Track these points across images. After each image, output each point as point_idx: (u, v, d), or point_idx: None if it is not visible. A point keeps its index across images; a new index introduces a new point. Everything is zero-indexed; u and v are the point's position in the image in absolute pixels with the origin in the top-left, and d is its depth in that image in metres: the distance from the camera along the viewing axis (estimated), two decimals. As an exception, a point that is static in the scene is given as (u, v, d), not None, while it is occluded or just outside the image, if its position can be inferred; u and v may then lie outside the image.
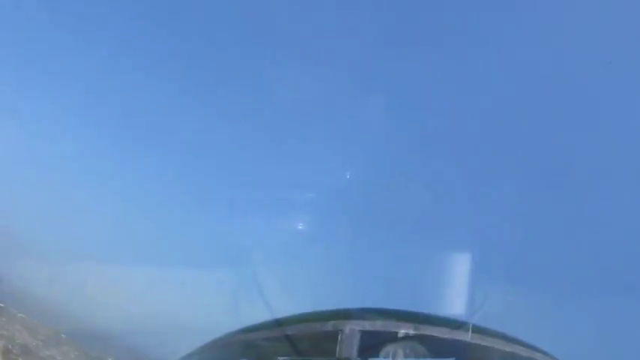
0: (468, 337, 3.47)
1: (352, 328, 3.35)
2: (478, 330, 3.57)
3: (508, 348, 3.47)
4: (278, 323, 3.80)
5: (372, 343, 3.41)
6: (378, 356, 3.64)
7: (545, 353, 3.55)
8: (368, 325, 3.40)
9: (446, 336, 3.45)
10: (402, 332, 3.40)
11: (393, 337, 3.42)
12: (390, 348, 3.45)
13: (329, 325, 3.47)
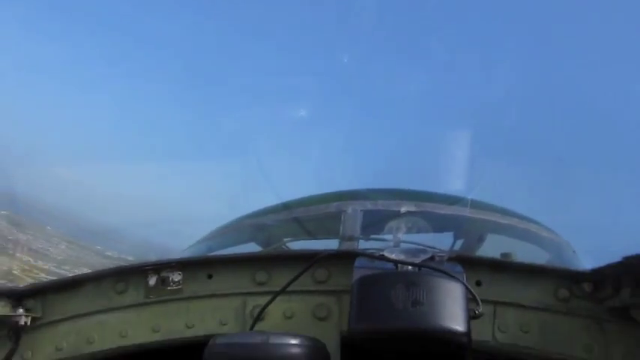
0: (466, 212, 3.54)
1: (354, 208, 3.41)
2: (476, 205, 3.64)
3: (504, 221, 3.54)
4: (284, 207, 3.88)
5: (375, 221, 3.50)
6: (381, 233, 3.76)
7: (539, 224, 3.64)
8: (369, 205, 3.44)
9: (445, 211, 3.50)
10: (403, 209, 3.47)
11: (394, 215, 3.50)
12: (392, 224, 3.56)
13: (332, 207, 3.53)
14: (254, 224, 3.94)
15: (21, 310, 1.91)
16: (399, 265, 1.61)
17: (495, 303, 1.69)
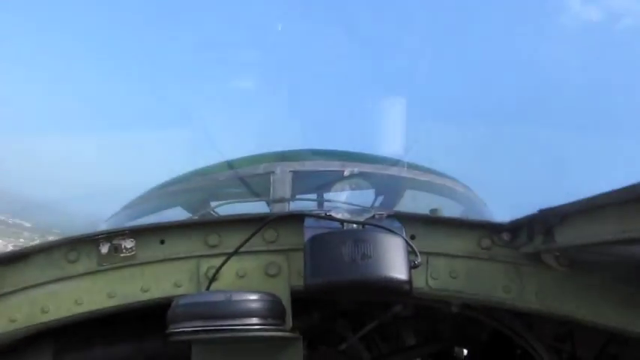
0: (387, 170, 3.75)
1: (283, 169, 3.52)
2: (395, 163, 3.87)
3: (423, 177, 3.80)
4: (211, 170, 3.92)
5: (304, 182, 3.64)
6: (310, 193, 3.92)
7: (454, 180, 3.93)
8: (298, 166, 3.57)
9: (368, 170, 3.69)
10: (330, 169, 3.63)
11: (322, 175, 3.66)
12: (321, 183, 3.72)
13: (260, 168, 3.62)
14: (180, 189, 3.95)
15: None
16: (345, 223, 1.78)
17: (428, 254, 1.89)
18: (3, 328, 1.93)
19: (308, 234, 1.76)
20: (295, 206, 3.45)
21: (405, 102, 3.95)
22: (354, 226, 1.77)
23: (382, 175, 3.65)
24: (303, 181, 3.62)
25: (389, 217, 1.84)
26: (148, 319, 2.19)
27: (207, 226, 1.97)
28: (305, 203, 3.82)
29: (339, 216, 1.78)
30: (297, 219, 1.91)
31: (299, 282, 1.91)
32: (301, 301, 1.89)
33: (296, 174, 3.49)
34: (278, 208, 3.23)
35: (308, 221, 1.83)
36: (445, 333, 2.61)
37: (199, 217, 2.00)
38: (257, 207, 3.74)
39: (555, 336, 2.55)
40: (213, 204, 3.99)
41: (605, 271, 1.88)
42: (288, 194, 3.37)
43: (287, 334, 1.72)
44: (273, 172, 3.51)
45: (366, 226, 1.75)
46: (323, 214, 1.82)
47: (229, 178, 3.71)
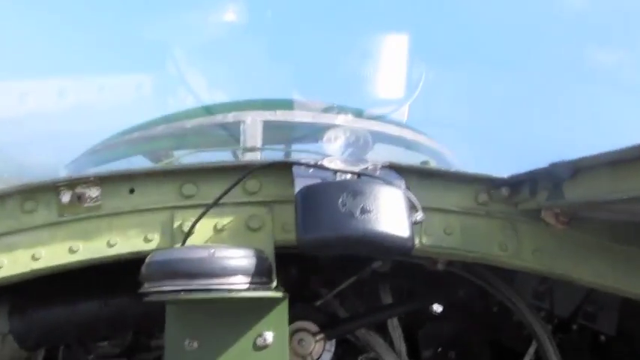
0: (357, 122, 3.64)
1: (254, 119, 3.35)
2: (367, 116, 3.75)
3: (392, 131, 3.71)
4: (177, 117, 3.70)
5: (275, 134, 3.48)
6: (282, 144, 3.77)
7: (432, 139, 3.86)
8: (269, 115, 3.40)
9: (338, 122, 3.57)
10: (302, 120, 3.48)
11: (294, 126, 3.51)
12: (293, 134, 3.58)
13: (230, 117, 3.43)
14: (143, 136, 3.74)
15: None
16: (339, 173, 1.62)
17: (422, 209, 1.77)
18: None
19: (298, 184, 1.59)
20: (266, 157, 3.31)
21: (406, 41, 3.78)
22: (348, 176, 1.61)
23: (354, 128, 3.53)
24: (274, 132, 3.46)
25: (384, 168, 1.70)
26: (113, 274, 2.01)
27: (182, 174, 1.79)
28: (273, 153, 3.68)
29: (331, 165, 1.62)
30: (282, 168, 1.74)
31: (283, 236, 1.76)
32: (279, 256, 1.75)
33: (267, 124, 3.33)
34: (248, 159, 3.08)
35: (297, 170, 1.66)
36: (422, 290, 2.55)
37: (174, 165, 1.80)
38: (223, 157, 3.58)
39: (534, 294, 2.54)
40: (177, 153, 3.80)
41: (604, 230, 1.81)
42: (259, 144, 3.22)
43: (275, 293, 1.58)
44: (243, 121, 3.35)
45: (363, 177, 1.61)
46: (314, 163, 1.66)
47: (196, 126, 3.50)
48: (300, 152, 3.72)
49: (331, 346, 2.19)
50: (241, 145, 3.23)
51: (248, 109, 3.45)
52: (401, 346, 2.42)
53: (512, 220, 1.82)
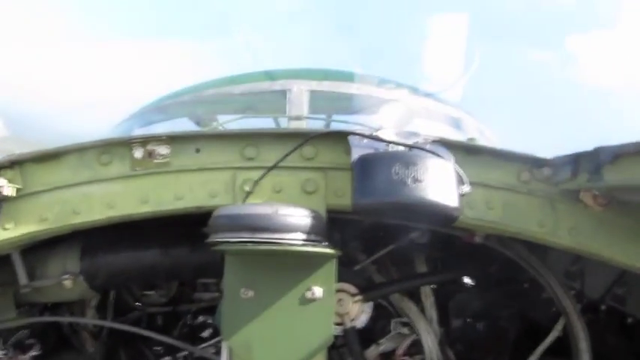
0: (403, 95, 3.70)
1: (300, 88, 3.44)
2: (410, 89, 3.80)
3: (438, 109, 3.76)
4: (222, 82, 3.81)
5: (320, 103, 3.56)
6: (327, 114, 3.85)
7: (473, 117, 3.89)
8: (315, 85, 3.49)
9: (380, 95, 3.62)
10: (347, 92, 3.55)
11: (340, 96, 3.58)
12: (339, 105, 3.65)
13: (277, 85, 3.53)
14: (189, 100, 3.85)
15: (2, 180, 1.86)
16: (392, 145, 1.74)
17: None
18: (34, 226, 1.91)
19: (355, 153, 1.72)
20: (311, 126, 3.40)
21: (463, 21, 3.80)
22: (401, 148, 1.73)
23: (404, 103, 3.59)
24: (319, 102, 3.55)
25: (434, 142, 1.80)
26: (174, 227, 2.18)
27: (244, 137, 1.93)
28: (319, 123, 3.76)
29: (385, 137, 1.74)
30: (338, 137, 1.87)
31: (335, 201, 1.90)
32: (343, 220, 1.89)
33: (314, 94, 3.42)
34: (294, 127, 3.17)
35: (353, 140, 1.79)
36: (457, 262, 2.65)
37: (237, 129, 1.94)
38: (268, 125, 3.68)
39: (566, 273, 2.62)
40: (221, 118, 3.92)
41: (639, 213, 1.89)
42: (305, 112, 3.31)
43: (329, 250, 1.72)
44: (289, 89, 3.44)
45: (414, 149, 1.72)
46: (369, 134, 1.77)
47: (243, 92, 3.61)
48: (347, 124, 3.78)
49: (368, 308, 2.32)
50: (287, 113, 3.33)
51: (296, 77, 3.53)
52: (432, 313, 2.51)
53: (551, 199, 1.91)
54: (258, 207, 1.65)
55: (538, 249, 2.19)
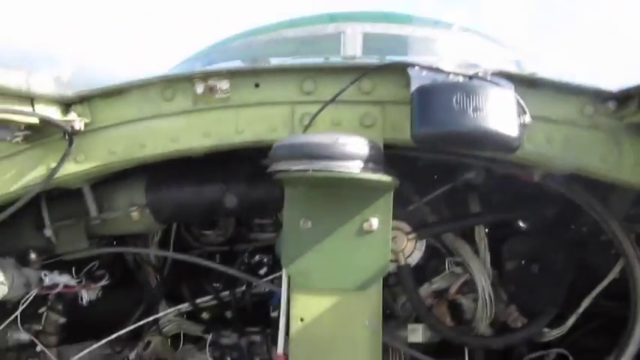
0: (455, 36, 3.61)
1: (354, 30, 3.41)
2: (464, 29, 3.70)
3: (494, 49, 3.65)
4: (276, 26, 3.81)
5: (374, 45, 3.52)
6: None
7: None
8: (369, 27, 3.45)
9: (438, 37, 3.55)
10: (401, 34, 3.49)
11: (393, 38, 3.53)
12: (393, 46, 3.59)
13: (330, 27, 3.51)
14: (244, 43, 3.88)
15: (73, 115, 1.95)
16: (452, 75, 1.72)
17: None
18: (103, 159, 2.01)
19: (414, 85, 1.72)
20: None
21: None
22: (461, 79, 1.71)
23: (460, 41, 3.51)
24: (373, 44, 3.50)
25: (494, 74, 1.77)
26: (234, 163, 2.25)
27: (302, 72, 1.95)
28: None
29: (445, 67, 1.72)
30: (396, 70, 1.86)
31: (392, 135, 1.91)
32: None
33: (367, 36, 3.38)
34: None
35: (412, 72, 1.78)
36: (512, 203, 2.63)
37: (295, 63, 1.97)
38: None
39: (626, 216, 2.56)
40: (274, 61, 3.94)
41: None
42: (359, 54, 3.28)
43: (388, 179, 1.74)
44: (343, 32, 3.41)
45: (475, 79, 1.70)
46: (429, 65, 1.76)
47: (296, 35, 3.61)
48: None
49: (422, 245, 2.34)
50: (342, 54, 3.31)
51: (350, 20, 3.50)
52: (486, 254, 2.51)
53: (615, 133, 1.86)
54: (318, 136, 1.68)
55: (598, 191, 2.15)
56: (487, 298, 2.45)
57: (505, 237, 2.74)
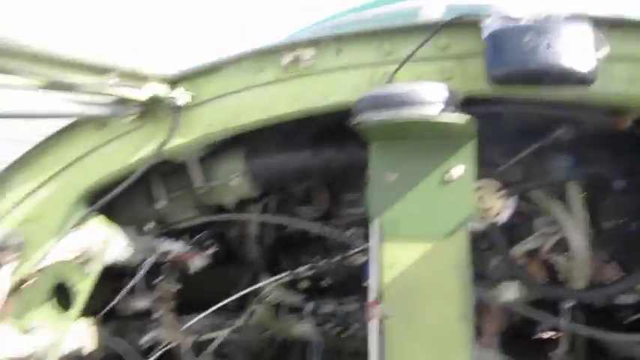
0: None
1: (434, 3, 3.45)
2: None
3: None
4: (356, 10, 3.94)
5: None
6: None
7: None
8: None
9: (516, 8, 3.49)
10: (484, 3, 3.49)
11: (475, 10, 3.52)
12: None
13: (409, 3, 3.57)
14: (324, 27, 4.00)
15: (178, 91, 2.19)
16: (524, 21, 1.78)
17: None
18: (202, 131, 2.23)
19: (487, 32, 1.79)
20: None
21: None
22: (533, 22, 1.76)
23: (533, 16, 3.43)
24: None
25: (568, 17, 1.80)
26: (321, 130, 2.41)
27: (380, 34, 2.06)
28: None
29: (518, 15, 1.78)
30: (470, 24, 1.94)
31: (471, 87, 1.97)
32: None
33: (450, 9, 3.41)
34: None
35: (485, 23, 1.85)
36: (605, 160, 2.56)
37: (373, 27, 2.09)
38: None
39: None
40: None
41: None
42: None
43: (470, 119, 1.81)
44: (420, 7, 3.47)
45: (548, 19, 1.74)
46: (501, 15, 1.82)
47: (375, 15, 3.72)
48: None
49: (511, 203, 2.35)
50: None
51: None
52: (579, 212, 2.46)
53: None
54: (399, 85, 1.80)
55: None
56: (583, 256, 2.41)
57: (601, 194, 2.66)
